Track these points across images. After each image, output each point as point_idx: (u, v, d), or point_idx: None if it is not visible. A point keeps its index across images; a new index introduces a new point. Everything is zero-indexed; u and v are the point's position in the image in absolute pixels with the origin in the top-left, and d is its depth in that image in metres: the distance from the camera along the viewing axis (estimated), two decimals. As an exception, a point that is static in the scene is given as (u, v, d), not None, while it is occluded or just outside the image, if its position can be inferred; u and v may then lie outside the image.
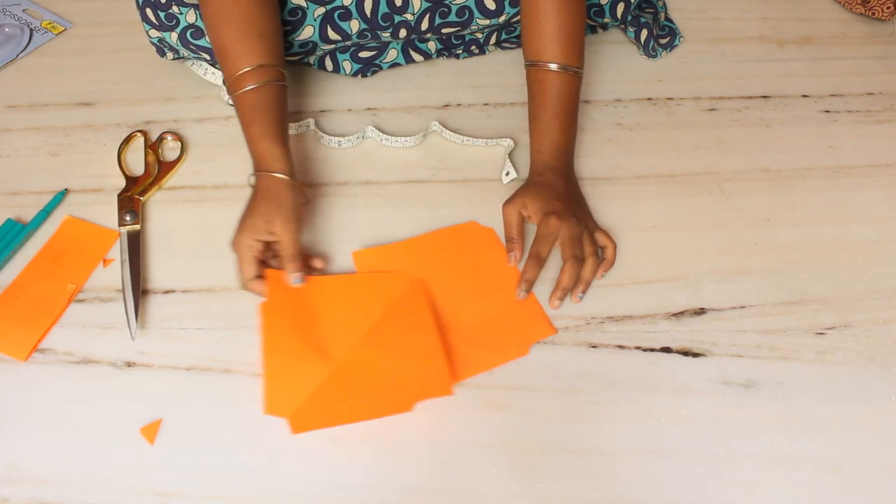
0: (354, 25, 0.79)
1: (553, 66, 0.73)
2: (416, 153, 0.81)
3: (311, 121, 0.81)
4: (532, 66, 0.75)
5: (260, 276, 0.66)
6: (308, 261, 0.68)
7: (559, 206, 0.69)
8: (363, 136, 0.81)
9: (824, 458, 0.60)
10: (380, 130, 0.81)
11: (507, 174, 0.77)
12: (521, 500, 0.58)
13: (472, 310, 0.67)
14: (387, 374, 0.62)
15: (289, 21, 0.77)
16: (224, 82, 0.72)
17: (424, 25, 0.81)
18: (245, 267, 0.65)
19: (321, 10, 0.77)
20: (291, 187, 0.67)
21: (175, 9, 0.78)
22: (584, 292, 0.68)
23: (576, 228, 0.68)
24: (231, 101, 0.71)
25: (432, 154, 0.81)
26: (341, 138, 0.80)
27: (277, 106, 0.70)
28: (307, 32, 0.78)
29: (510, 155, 0.79)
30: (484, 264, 0.70)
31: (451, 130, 0.81)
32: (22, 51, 0.90)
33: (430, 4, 0.80)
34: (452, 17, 0.81)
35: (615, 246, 0.71)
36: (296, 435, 0.60)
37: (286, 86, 0.71)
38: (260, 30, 0.70)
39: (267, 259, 0.67)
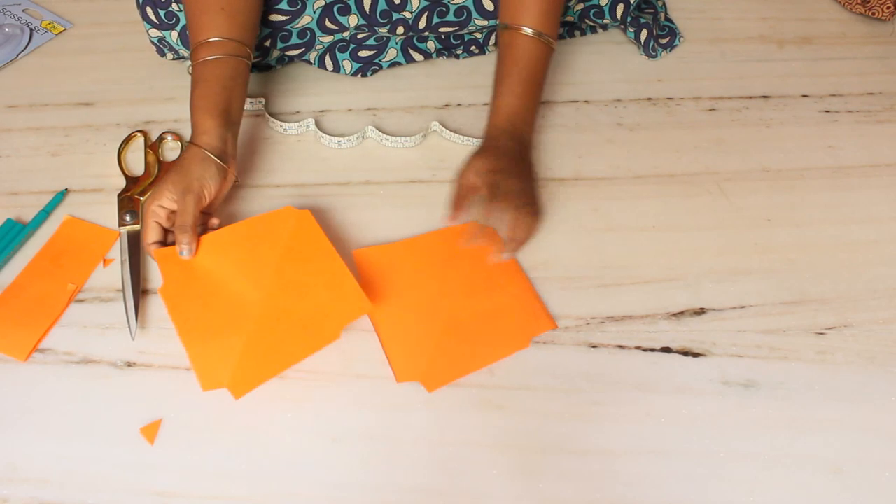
0: (353, 20, 0.79)
1: (528, 31, 0.73)
2: (416, 153, 0.81)
3: (312, 120, 0.81)
4: (506, 30, 0.75)
5: (160, 242, 0.67)
6: (207, 222, 0.68)
7: (504, 164, 0.70)
8: (363, 136, 0.81)
9: (824, 458, 0.60)
10: (380, 130, 0.81)
11: None
12: (521, 500, 0.58)
13: (473, 306, 0.67)
14: (304, 312, 0.62)
15: (288, 11, 0.77)
16: None
17: (422, 24, 0.81)
18: (147, 231, 0.66)
19: (321, 2, 0.78)
20: (204, 160, 0.66)
21: (175, 7, 0.78)
22: (513, 250, 0.69)
23: (514, 184, 0.69)
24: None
25: (432, 154, 0.81)
26: (341, 138, 0.80)
27: (221, 79, 0.69)
28: (305, 21, 0.79)
29: (510, 155, 0.79)
30: (484, 262, 0.70)
31: (451, 130, 0.81)
32: (22, 51, 0.90)
33: (428, 3, 0.80)
34: (450, 17, 0.81)
35: (522, 238, 0.70)
36: (239, 400, 0.60)
37: (244, 61, 0.71)
38: (223, 3, 0.70)
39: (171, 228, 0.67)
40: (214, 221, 0.69)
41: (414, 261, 0.70)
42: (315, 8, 0.78)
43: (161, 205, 0.66)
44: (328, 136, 0.80)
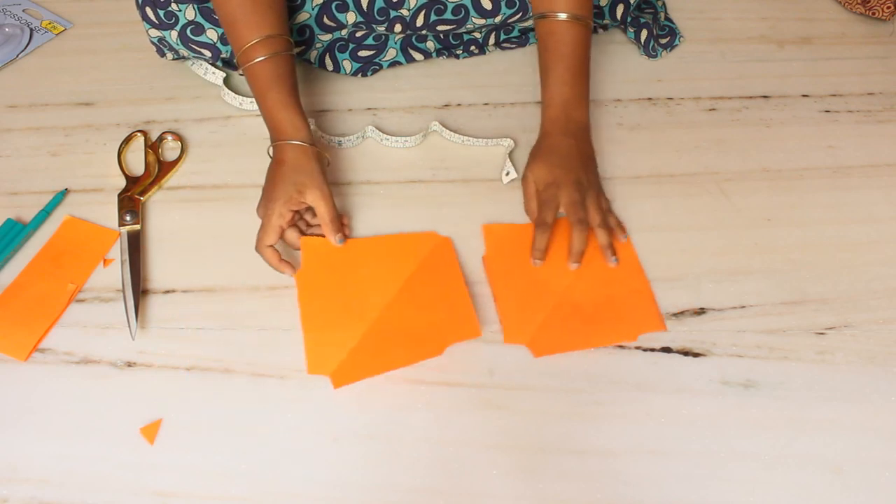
0: (350, 17, 0.80)
1: (563, 16, 0.72)
2: (417, 153, 0.81)
3: (311, 121, 0.81)
4: (541, 19, 0.74)
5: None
6: (342, 220, 0.70)
7: (560, 174, 0.70)
8: (363, 136, 0.81)
9: (824, 458, 0.60)
10: (380, 130, 0.81)
11: (507, 174, 0.77)
12: (521, 500, 0.58)
13: (589, 290, 0.69)
14: (418, 325, 0.65)
15: (287, 5, 0.77)
16: (233, 55, 0.73)
17: (420, 21, 0.81)
18: (271, 233, 0.67)
19: (319, 0, 0.78)
20: (315, 154, 0.69)
21: (174, 6, 0.78)
22: (614, 255, 0.69)
23: (576, 194, 0.69)
24: (242, 73, 0.72)
25: (432, 154, 0.81)
26: (341, 138, 0.80)
27: (291, 74, 0.71)
28: (303, 17, 0.79)
29: (510, 155, 0.79)
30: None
31: (451, 130, 0.81)
32: (22, 51, 0.90)
33: (425, 0, 0.80)
34: (448, 15, 0.81)
35: (605, 219, 0.71)
36: (338, 389, 0.62)
37: (294, 56, 0.73)
38: (269, 1, 0.70)
39: (289, 227, 0.69)
40: (346, 220, 0.71)
41: (551, 246, 0.71)
42: (314, 5, 0.78)
43: (291, 208, 0.67)
44: (328, 136, 0.80)
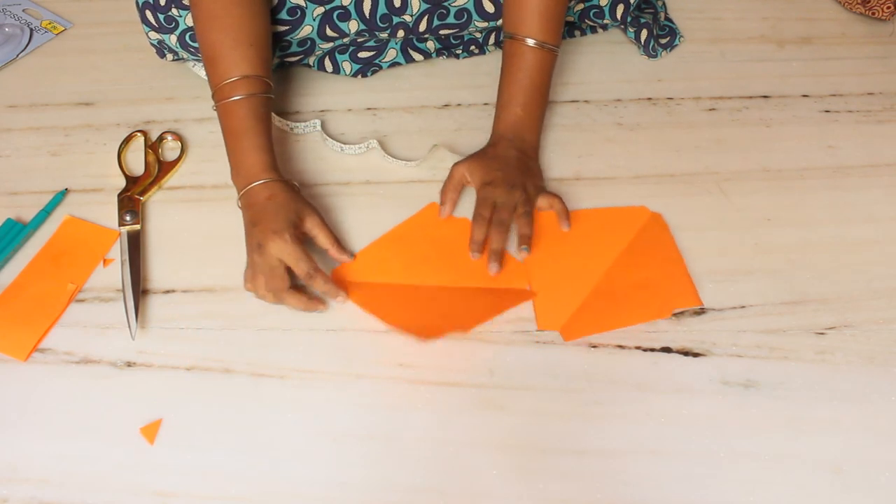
0: (353, 26, 0.79)
1: (530, 42, 0.74)
2: (417, 153, 0.81)
3: (318, 122, 0.81)
4: (509, 39, 0.76)
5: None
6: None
7: (498, 176, 0.71)
8: (367, 148, 0.80)
9: (824, 458, 0.60)
10: (382, 148, 0.80)
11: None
12: (521, 500, 0.58)
13: (623, 271, 0.70)
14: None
15: (287, 21, 0.77)
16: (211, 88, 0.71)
17: (422, 27, 0.81)
18: (300, 262, 0.64)
19: (320, 10, 0.77)
20: (294, 187, 0.69)
21: (174, 11, 0.77)
22: (526, 245, 0.68)
23: (508, 196, 0.70)
24: (215, 108, 0.70)
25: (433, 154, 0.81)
26: (344, 145, 0.79)
27: (268, 118, 0.71)
28: (305, 31, 0.78)
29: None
30: (641, 241, 0.73)
31: (453, 153, 0.80)
32: (22, 51, 0.90)
33: (428, 6, 0.80)
34: (451, 19, 0.81)
35: (560, 198, 0.72)
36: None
37: (272, 98, 0.72)
38: (252, 39, 0.70)
39: None
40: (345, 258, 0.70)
41: (575, 223, 0.73)
42: (315, 16, 0.78)
43: (297, 236, 0.65)
44: (332, 140, 0.80)
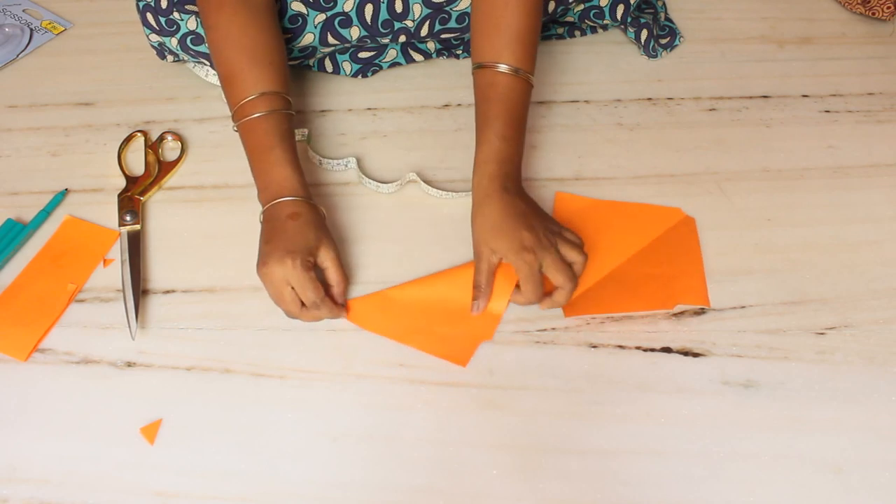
0: (355, 32, 0.79)
1: (505, 68, 0.68)
2: (418, 156, 0.81)
3: (353, 159, 0.78)
4: (481, 69, 0.70)
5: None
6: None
7: (528, 238, 0.63)
8: (401, 185, 0.77)
9: (824, 458, 0.60)
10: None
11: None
12: (521, 500, 0.58)
13: (642, 268, 0.70)
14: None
15: (289, 28, 0.77)
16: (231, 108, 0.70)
17: (424, 31, 0.81)
18: (313, 288, 0.62)
19: (321, 17, 0.77)
20: (320, 213, 0.67)
21: (176, 14, 0.77)
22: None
23: (554, 255, 0.64)
24: (236, 128, 0.69)
25: (433, 154, 0.81)
26: (381, 184, 0.76)
27: (291, 134, 0.69)
28: (307, 39, 0.78)
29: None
30: (667, 238, 0.73)
31: (428, 184, 0.76)
32: (22, 51, 0.90)
33: (430, 11, 0.79)
34: (452, 24, 0.81)
35: (585, 260, 0.65)
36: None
37: (293, 115, 0.71)
38: (270, 58, 0.69)
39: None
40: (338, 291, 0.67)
41: (605, 213, 0.74)
42: (316, 24, 0.77)
43: (308, 263, 0.63)
44: (368, 180, 0.77)
